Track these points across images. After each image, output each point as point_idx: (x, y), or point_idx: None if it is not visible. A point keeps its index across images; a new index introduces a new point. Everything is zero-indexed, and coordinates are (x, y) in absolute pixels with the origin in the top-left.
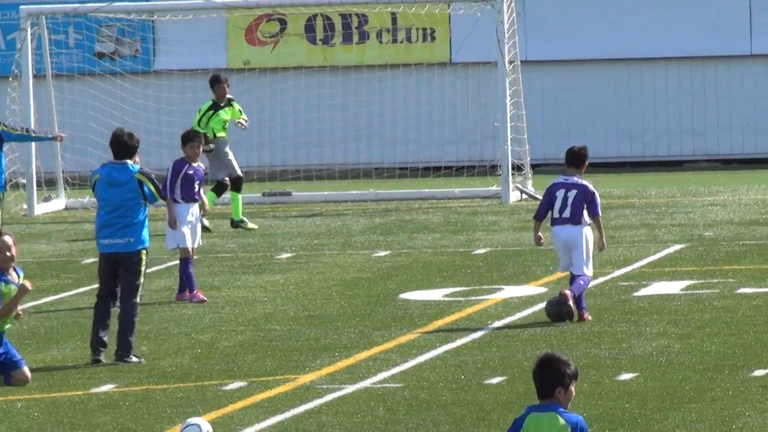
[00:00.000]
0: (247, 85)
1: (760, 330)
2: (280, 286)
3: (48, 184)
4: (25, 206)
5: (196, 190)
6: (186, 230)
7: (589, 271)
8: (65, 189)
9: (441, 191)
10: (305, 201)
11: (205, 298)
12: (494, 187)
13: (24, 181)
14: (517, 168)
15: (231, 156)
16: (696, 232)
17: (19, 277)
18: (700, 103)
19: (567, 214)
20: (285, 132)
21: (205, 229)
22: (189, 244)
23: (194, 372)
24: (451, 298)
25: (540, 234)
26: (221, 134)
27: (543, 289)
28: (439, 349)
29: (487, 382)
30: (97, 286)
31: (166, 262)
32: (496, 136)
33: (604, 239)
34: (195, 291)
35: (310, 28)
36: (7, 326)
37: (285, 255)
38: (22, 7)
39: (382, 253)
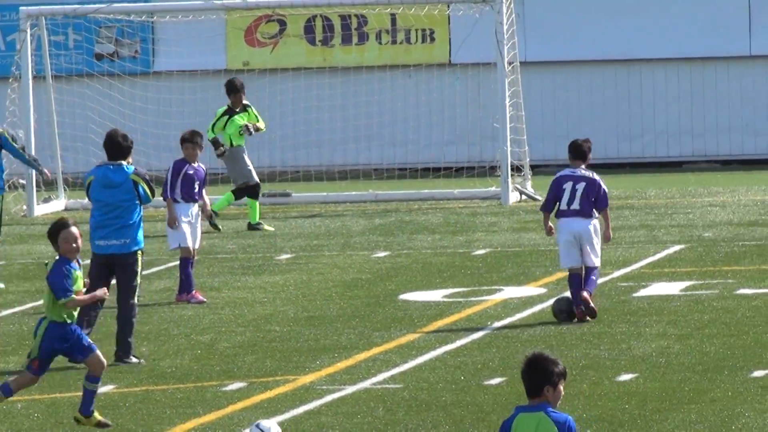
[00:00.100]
0: (246, 86)
1: (760, 331)
2: (279, 287)
3: (47, 184)
4: (24, 207)
5: (197, 190)
6: (187, 230)
7: (598, 262)
8: (65, 190)
9: (440, 192)
10: (305, 202)
11: (204, 299)
12: (494, 188)
13: (24, 181)
14: (517, 169)
15: (249, 164)
16: (695, 233)
17: (80, 265)
18: (700, 103)
19: (576, 206)
20: (284, 133)
21: (215, 227)
22: (190, 244)
23: (194, 373)
24: (451, 299)
25: (550, 224)
26: (238, 142)
27: (542, 290)
28: (438, 350)
29: (486, 383)
30: None
31: (166, 263)
32: (495, 137)
33: (610, 231)
34: (193, 291)
35: (309, 29)
36: (72, 318)
37: (284, 256)
38: (21, 8)
39: (381, 254)
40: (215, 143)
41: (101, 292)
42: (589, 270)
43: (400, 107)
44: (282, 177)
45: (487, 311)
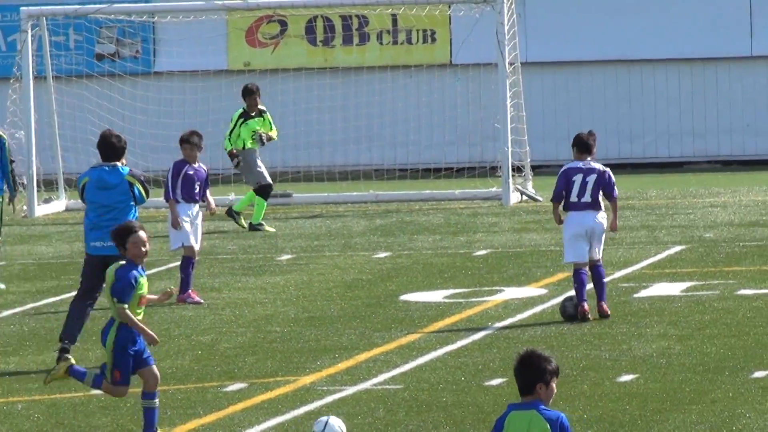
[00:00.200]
0: None
1: (761, 331)
2: (280, 288)
3: (47, 185)
4: (25, 207)
5: (197, 191)
6: (189, 229)
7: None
8: (65, 190)
9: (441, 193)
10: (305, 202)
11: (201, 300)
12: (494, 189)
13: (24, 182)
14: (518, 169)
15: (261, 165)
16: (696, 234)
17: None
18: (701, 104)
19: (587, 198)
20: (285, 133)
21: (238, 224)
22: (193, 243)
23: (195, 373)
24: (452, 300)
25: (560, 215)
26: (251, 145)
27: (543, 291)
28: (439, 351)
29: (487, 383)
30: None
31: (166, 264)
32: (496, 137)
33: (617, 221)
34: (188, 291)
35: (310, 30)
36: (139, 317)
37: (285, 256)
38: (22, 8)
39: (382, 255)
40: (231, 155)
41: (167, 293)
42: (597, 267)
43: (401, 108)
44: (283, 177)
45: (487, 312)
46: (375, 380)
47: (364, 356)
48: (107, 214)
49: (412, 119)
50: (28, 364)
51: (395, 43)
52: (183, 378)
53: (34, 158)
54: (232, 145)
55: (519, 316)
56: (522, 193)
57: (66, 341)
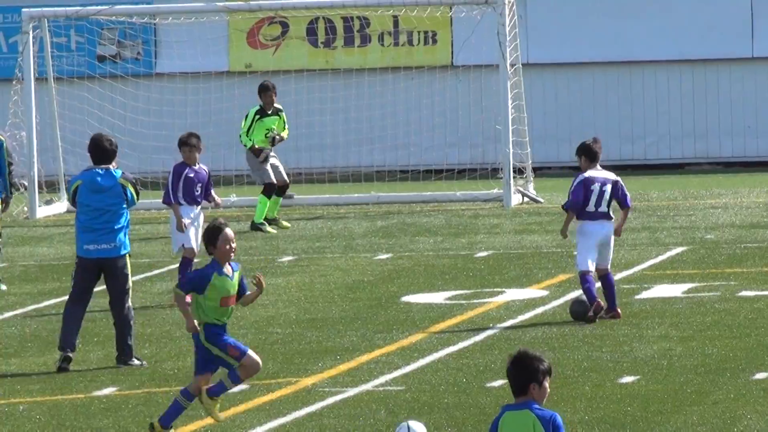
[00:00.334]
0: (248, 88)
1: (762, 333)
2: (281, 289)
3: (49, 186)
4: (26, 209)
5: (198, 193)
6: (190, 231)
7: None
8: (67, 192)
9: (443, 194)
10: (307, 204)
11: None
12: (496, 190)
13: (26, 183)
14: (519, 171)
15: (268, 165)
16: (698, 235)
17: (234, 271)
18: (702, 105)
19: (604, 208)
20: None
21: (270, 231)
22: (194, 245)
23: None
24: (453, 301)
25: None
26: (261, 143)
27: (545, 292)
28: (440, 352)
29: (489, 385)
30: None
31: (167, 265)
32: (497, 139)
33: (622, 228)
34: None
35: (311, 31)
36: (227, 319)
37: (287, 258)
38: (24, 10)
39: (383, 256)
40: (255, 151)
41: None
42: (608, 276)
43: (403, 109)
44: None
45: (489, 313)
46: (376, 381)
47: (365, 358)
48: (100, 216)
49: (413, 121)
50: (29, 366)
51: (396, 44)
52: (184, 379)
53: (35, 159)
54: (251, 141)
55: (520, 318)
56: (523, 195)
57: (67, 350)
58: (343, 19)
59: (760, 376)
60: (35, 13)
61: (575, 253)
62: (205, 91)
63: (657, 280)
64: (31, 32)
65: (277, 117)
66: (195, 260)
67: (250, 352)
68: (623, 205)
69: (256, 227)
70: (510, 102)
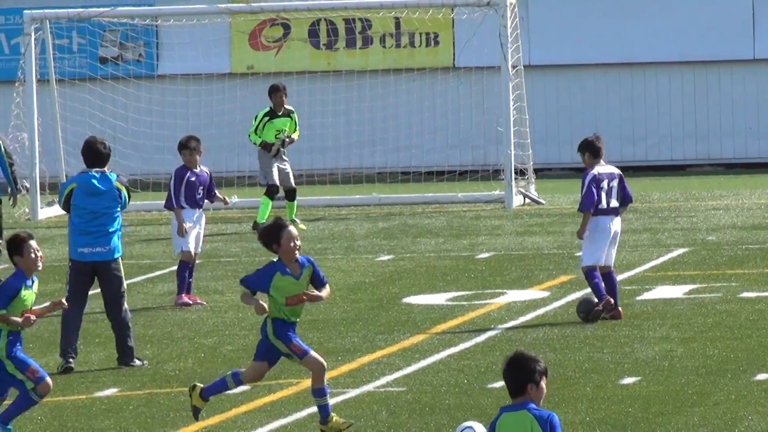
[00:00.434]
0: (250, 89)
1: (763, 334)
2: None
3: (51, 188)
4: (27, 210)
5: (200, 195)
6: (190, 234)
7: None
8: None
9: (444, 196)
10: (309, 205)
11: (190, 302)
12: (497, 192)
13: (27, 185)
14: (521, 172)
15: (273, 166)
16: (699, 237)
17: (302, 268)
18: (703, 107)
19: (614, 203)
20: None
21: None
22: (192, 248)
23: (197, 376)
24: (455, 303)
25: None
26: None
27: (546, 294)
28: (442, 353)
29: (490, 386)
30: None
31: (168, 267)
32: (499, 140)
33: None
34: (181, 294)
35: (313, 33)
36: (296, 318)
37: None
38: (26, 11)
39: (385, 258)
40: (266, 146)
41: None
42: (611, 274)
43: (404, 111)
44: None
45: (490, 314)
46: (378, 383)
47: (366, 359)
48: (95, 220)
49: (415, 122)
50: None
51: (398, 46)
52: (186, 380)
53: (37, 161)
54: (260, 138)
55: (522, 319)
56: (525, 196)
57: (69, 355)
58: (345, 20)
59: (761, 377)
60: (37, 14)
61: (578, 254)
62: (207, 93)
63: (658, 281)
64: (33, 34)
65: (289, 118)
66: (196, 262)
67: (312, 352)
68: (626, 199)
69: (257, 227)
70: (511, 103)
